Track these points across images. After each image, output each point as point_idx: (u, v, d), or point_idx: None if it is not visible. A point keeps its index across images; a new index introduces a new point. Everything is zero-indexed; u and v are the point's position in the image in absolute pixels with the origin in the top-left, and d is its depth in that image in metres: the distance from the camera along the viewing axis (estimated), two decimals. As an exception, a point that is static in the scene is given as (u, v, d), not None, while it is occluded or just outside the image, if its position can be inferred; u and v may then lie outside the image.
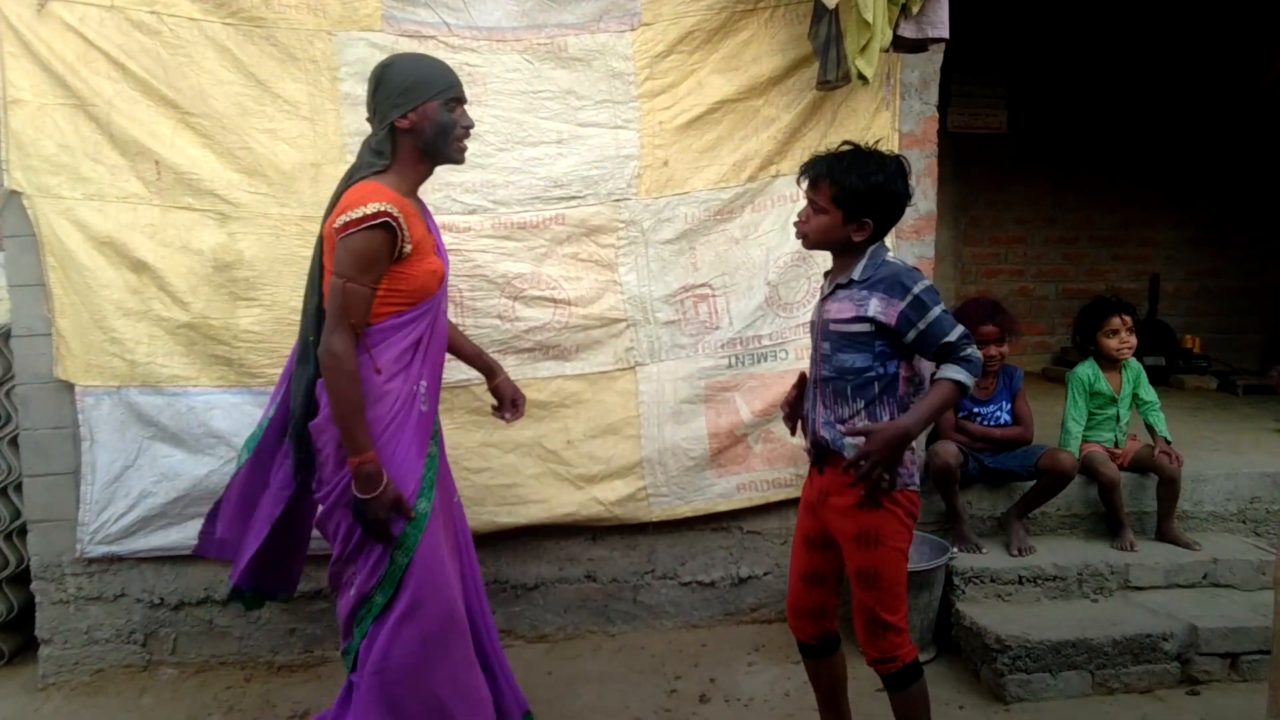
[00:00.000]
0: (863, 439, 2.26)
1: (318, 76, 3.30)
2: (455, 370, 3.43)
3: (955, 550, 3.57)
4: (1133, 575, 3.56)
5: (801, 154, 3.58)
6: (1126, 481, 3.79)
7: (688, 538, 3.73)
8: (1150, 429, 3.87)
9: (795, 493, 3.66)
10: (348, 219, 2.25)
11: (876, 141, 2.45)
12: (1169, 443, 3.79)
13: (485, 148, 3.38)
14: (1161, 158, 6.86)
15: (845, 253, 2.40)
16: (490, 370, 2.87)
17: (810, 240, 2.42)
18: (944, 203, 4.68)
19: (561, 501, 3.55)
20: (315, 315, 2.42)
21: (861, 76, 3.24)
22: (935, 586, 3.45)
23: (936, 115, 3.69)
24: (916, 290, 2.26)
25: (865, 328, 2.32)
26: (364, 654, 2.39)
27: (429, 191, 3.36)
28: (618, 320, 3.53)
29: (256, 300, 3.31)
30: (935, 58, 3.61)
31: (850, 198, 2.32)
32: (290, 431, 2.50)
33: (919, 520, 2.50)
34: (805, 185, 2.42)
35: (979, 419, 3.81)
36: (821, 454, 2.49)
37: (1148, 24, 6.30)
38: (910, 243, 3.70)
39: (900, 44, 3.33)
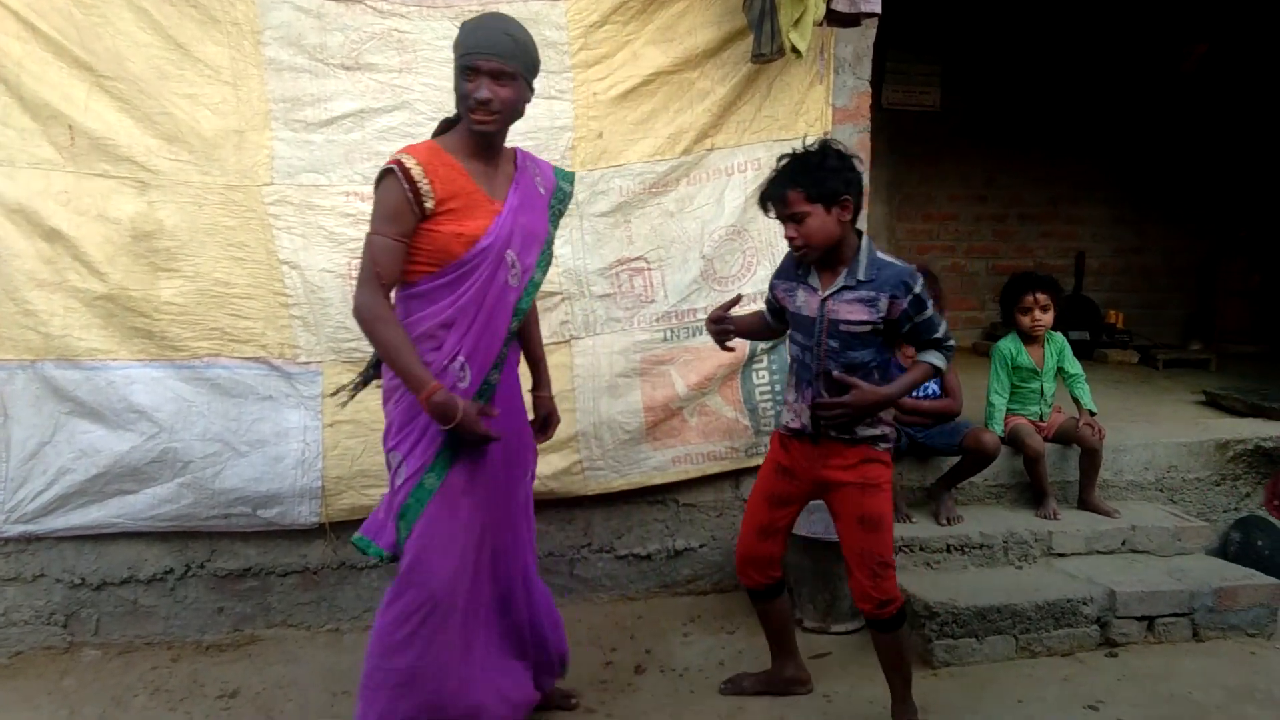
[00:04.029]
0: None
1: (240, 40, 3.20)
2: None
3: (886, 520, 3.63)
4: (1055, 542, 3.66)
5: (736, 128, 3.59)
6: (1050, 452, 3.88)
7: (624, 511, 3.73)
8: (1075, 401, 3.96)
9: (730, 465, 3.69)
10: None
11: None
12: (1093, 414, 3.87)
13: (416, 116, 3.33)
14: (1090, 138, 7.02)
15: (838, 248, 2.54)
16: (539, 381, 2.81)
17: (816, 249, 2.51)
18: (878, 179, 4.75)
19: (497, 476, 3.52)
20: None
21: (795, 50, 3.25)
22: (866, 556, 3.50)
23: (870, 91, 3.71)
24: (918, 290, 2.51)
25: (875, 326, 2.53)
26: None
27: (357, 160, 3.31)
28: (553, 294, 3.48)
29: (178, 271, 3.21)
30: (869, 33, 3.63)
31: (818, 185, 2.45)
32: None
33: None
34: (775, 211, 2.54)
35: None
36: (822, 435, 2.66)
37: (1078, 4, 6.42)
38: (844, 217, 3.72)
39: (833, 18, 3.35)
